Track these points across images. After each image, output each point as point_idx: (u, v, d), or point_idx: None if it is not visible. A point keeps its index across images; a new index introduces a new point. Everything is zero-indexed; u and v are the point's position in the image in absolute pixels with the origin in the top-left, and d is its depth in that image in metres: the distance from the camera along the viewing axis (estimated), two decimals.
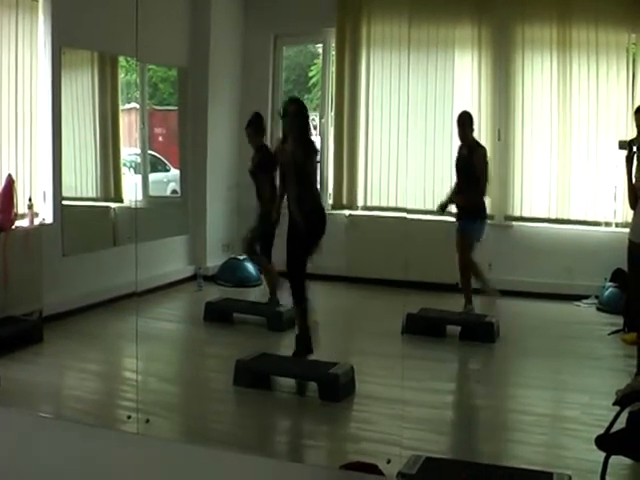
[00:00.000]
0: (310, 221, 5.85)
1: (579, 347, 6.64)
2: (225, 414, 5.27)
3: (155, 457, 3.78)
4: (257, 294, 7.56)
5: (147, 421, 4.68)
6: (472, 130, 7.29)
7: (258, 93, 9.31)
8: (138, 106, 8.45)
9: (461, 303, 7.17)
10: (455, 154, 7.43)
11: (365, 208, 8.99)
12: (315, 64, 10.09)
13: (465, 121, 7.25)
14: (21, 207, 6.75)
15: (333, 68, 9.12)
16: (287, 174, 5.99)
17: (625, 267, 5.78)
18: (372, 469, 3.71)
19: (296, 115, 5.96)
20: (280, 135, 6.42)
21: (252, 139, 7.55)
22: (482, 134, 8.34)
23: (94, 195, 8.01)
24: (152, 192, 8.84)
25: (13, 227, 6.57)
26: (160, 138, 9.55)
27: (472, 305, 7.07)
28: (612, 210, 8.19)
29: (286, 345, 6.78)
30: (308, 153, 5.96)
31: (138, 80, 8.40)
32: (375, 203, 8.94)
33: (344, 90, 8.97)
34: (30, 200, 6.87)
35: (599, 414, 4.56)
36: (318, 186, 6.42)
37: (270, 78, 9.36)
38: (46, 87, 7.07)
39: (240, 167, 9.29)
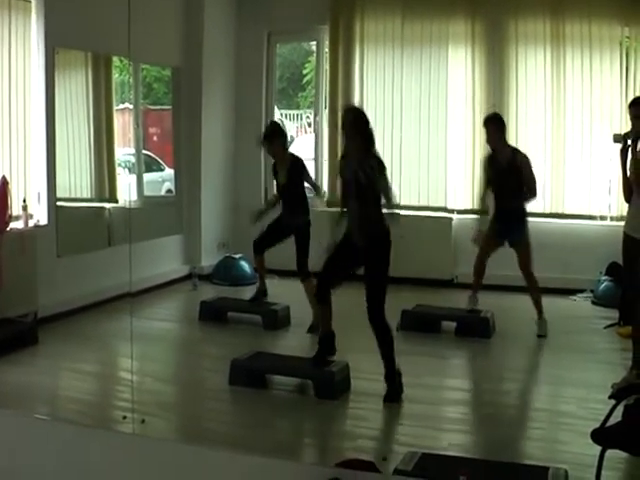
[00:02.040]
0: (371, 242, 5.24)
1: (575, 341, 6.64)
2: (221, 413, 5.26)
3: (151, 457, 3.78)
4: (252, 293, 7.54)
5: (142, 421, 4.68)
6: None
7: (252, 91, 9.33)
8: (132, 106, 8.44)
9: (455, 299, 7.21)
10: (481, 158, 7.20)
11: None
12: (309, 61, 10.10)
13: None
14: (15, 209, 6.73)
15: (327, 65, 9.10)
16: (347, 192, 5.33)
17: (620, 261, 5.78)
18: (368, 466, 3.70)
19: (355, 125, 5.26)
20: None
21: (282, 152, 6.92)
22: (476, 129, 8.35)
23: (89, 195, 7.99)
24: (147, 192, 8.81)
25: (7, 229, 6.55)
26: (154, 138, 9.54)
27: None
28: (607, 204, 8.21)
29: (281, 344, 6.80)
30: (373, 168, 5.15)
31: (132, 80, 8.38)
32: None
33: (338, 87, 8.96)
34: (24, 201, 6.86)
35: (595, 408, 4.56)
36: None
37: (264, 76, 9.36)
38: (40, 88, 7.05)
39: (236, 167, 9.33)
